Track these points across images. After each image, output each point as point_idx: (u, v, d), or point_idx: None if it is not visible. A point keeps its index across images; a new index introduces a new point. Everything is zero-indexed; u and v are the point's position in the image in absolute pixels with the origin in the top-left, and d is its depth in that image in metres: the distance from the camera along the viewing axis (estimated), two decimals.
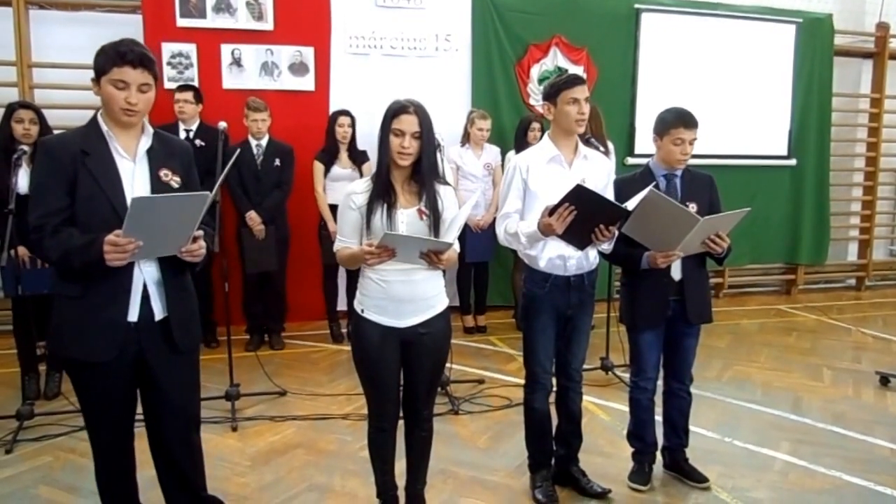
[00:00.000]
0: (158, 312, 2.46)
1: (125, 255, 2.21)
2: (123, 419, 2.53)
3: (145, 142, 2.44)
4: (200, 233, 2.38)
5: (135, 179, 2.39)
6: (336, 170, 5.66)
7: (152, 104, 2.42)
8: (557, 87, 3.08)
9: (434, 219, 2.67)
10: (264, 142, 5.46)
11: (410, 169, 2.69)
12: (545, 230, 2.89)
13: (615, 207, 2.89)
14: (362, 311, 2.75)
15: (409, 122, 2.62)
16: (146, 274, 2.42)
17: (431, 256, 2.56)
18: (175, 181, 2.46)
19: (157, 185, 2.41)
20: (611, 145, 5.82)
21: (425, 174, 2.69)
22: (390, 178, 2.69)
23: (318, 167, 5.67)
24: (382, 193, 2.66)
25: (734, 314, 7.04)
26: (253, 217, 5.36)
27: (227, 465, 3.63)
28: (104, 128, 2.39)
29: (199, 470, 2.74)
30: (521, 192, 3.13)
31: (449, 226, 2.66)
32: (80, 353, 2.39)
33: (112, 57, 2.30)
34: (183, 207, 2.27)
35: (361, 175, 5.41)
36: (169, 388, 2.53)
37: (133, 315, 2.41)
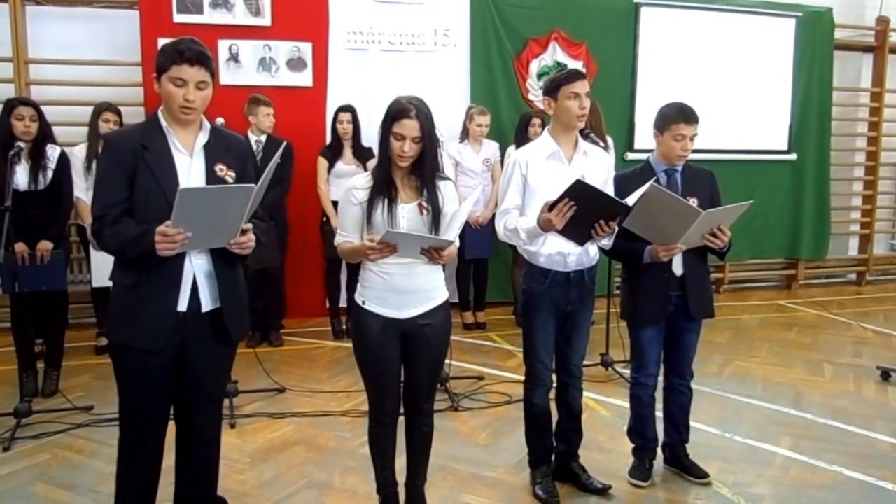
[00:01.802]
0: (206, 304, 2.51)
1: (175, 246, 2.26)
2: (159, 409, 2.56)
3: (203, 137, 2.50)
4: (250, 226, 2.42)
5: (191, 173, 2.45)
6: (340, 166, 5.65)
7: (209, 101, 2.46)
8: (558, 81, 3.06)
9: (435, 213, 2.67)
10: (264, 138, 5.44)
11: (411, 164, 2.68)
12: (545, 226, 2.88)
13: (615, 203, 2.88)
14: (363, 302, 2.75)
15: (410, 128, 2.60)
16: (196, 266, 2.48)
17: (432, 252, 2.55)
18: (230, 176, 2.51)
19: (212, 179, 2.47)
20: (610, 140, 5.79)
21: (427, 173, 2.68)
22: (391, 174, 2.68)
23: (322, 163, 5.66)
24: (383, 188, 2.66)
25: (735, 309, 7.03)
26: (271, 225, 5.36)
27: (226, 462, 3.56)
28: (163, 123, 2.45)
29: (217, 467, 2.77)
30: (521, 187, 3.12)
31: (450, 221, 2.65)
32: (131, 339, 2.44)
33: (171, 55, 2.36)
34: (229, 199, 2.31)
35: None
36: (205, 381, 2.58)
37: (182, 305, 2.47)
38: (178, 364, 2.52)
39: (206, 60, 2.39)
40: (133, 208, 2.38)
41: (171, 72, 2.36)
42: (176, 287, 2.44)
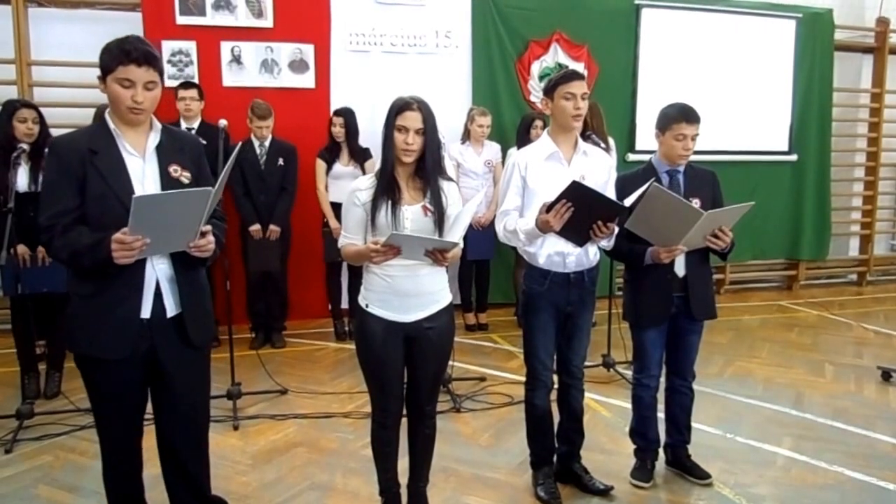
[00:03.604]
0: (171, 309, 2.46)
1: (133, 253, 2.21)
2: (133, 416, 2.53)
3: (154, 138, 2.44)
4: (209, 228, 2.37)
5: (145, 176, 2.39)
6: (338, 167, 5.66)
7: (158, 101, 2.41)
8: (555, 82, 3.07)
9: (438, 215, 2.67)
10: (267, 141, 5.46)
11: (414, 165, 2.69)
12: (543, 227, 2.88)
13: (612, 204, 2.88)
14: (367, 305, 2.75)
15: (412, 119, 2.62)
16: (159, 271, 2.43)
17: (436, 255, 2.56)
18: (185, 176, 2.45)
19: (167, 181, 2.41)
20: (612, 142, 5.80)
21: (429, 170, 2.68)
22: (394, 175, 2.69)
23: (321, 165, 5.67)
24: (387, 190, 2.66)
25: (736, 310, 7.03)
26: (257, 230, 5.38)
27: (228, 463, 3.62)
28: (112, 126, 2.38)
29: (205, 469, 2.74)
30: (520, 189, 3.12)
31: (453, 223, 2.65)
32: (94, 350, 2.39)
33: (117, 55, 2.28)
34: (186, 203, 2.26)
35: (364, 173, 5.41)
36: (179, 386, 2.52)
37: (146, 312, 2.41)
38: (150, 371, 2.48)
39: (153, 60, 2.32)
40: (86, 216, 2.30)
41: (118, 72, 2.27)
42: (138, 293, 2.38)
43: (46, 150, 2.43)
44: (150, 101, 2.35)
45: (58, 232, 2.28)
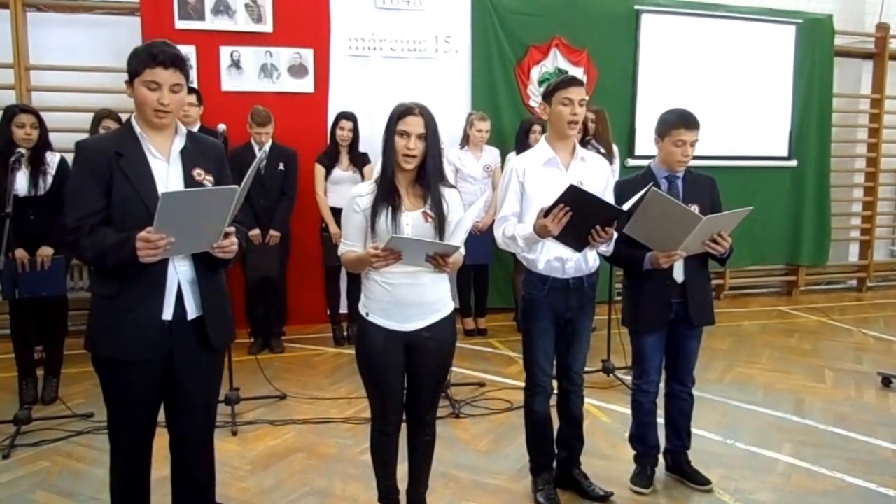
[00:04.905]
0: (191, 311, 2.47)
1: (157, 251, 2.22)
2: (148, 419, 2.53)
3: (179, 142, 2.46)
4: (233, 229, 2.39)
5: (169, 179, 2.41)
6: (337, 172, 5.66)
7: (184, 104, 2.42)
8: (553, 87, 3.08)
9: (439, 221, 2.66)
10: (268, 146, 5.45)
11: (415, 171, 2.68)
12: (541, 232, 2.88)
13: (610, 208, 2.87)
14: (367, 314, 2.73)
15: (414, 124, 2.61)
16: (181, 273, 2.43)
17: (438, 259, 2.55)
18: (208, 180, 2.47)
19: (191, 184, 2.43)
20: (615, 149, 5.80)
21: (430, 176, 2.67)
22: (395, 181, 2.68)
23: (320, 169, 5.67)
24: (387, 196, 2.65)
25: (735, 316, 7.02)
26: (256, 235, 5.37)
27: (227, 469, 3.60)
28: (137, 129, 2.40)
29: (210, 471, 2.74)
30: (519, 194, 3.13)
31: (455, 228, 2.64)
32: (115, 352, 2.39)
33: (144, 59, 2.31)
34: (212, 202, 2.27)
35: (363, 177, 5.40)
36: (194, 389, 2.53)
37: (167, 314, 2.42)
38: (165, 374, 2.48)
39: (180, 63, 2.35)
40: (111, 217, 2.33)
41: (145, 75, 2.31)
42: (160, 295, 2.39)
43: (73, 152, 2.43)
44: (175, 104, 2.38)
45: (84, 232, 2.31)
